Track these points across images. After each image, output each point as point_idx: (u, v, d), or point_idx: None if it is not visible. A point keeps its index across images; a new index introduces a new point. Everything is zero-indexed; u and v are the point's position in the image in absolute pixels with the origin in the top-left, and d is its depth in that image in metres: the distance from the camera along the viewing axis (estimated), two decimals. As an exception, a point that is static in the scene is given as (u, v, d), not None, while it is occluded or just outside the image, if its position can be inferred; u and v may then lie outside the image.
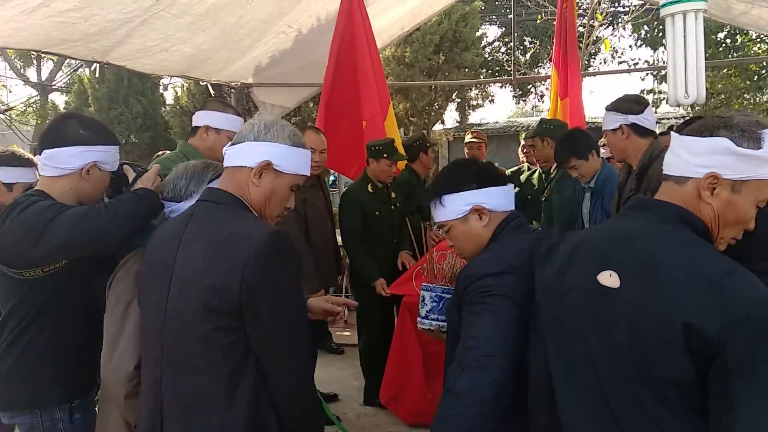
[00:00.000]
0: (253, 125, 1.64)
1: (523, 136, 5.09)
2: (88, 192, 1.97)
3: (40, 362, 1.95)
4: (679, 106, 1.75)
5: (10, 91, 35.58)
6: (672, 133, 1.38)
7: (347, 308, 2.03)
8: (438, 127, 14.80)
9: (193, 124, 2.83)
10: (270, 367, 1.52)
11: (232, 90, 6.20)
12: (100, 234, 1.78)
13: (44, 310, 1.95)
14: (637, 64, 20.16)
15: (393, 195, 4.08)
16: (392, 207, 4.07)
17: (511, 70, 16.07)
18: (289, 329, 1.53)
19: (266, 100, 6.18)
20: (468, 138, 5.27)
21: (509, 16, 18.38)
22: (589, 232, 1.52)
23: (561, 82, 4.84)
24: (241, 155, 1.63)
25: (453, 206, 1.76)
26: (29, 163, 2.79)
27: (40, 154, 1.93)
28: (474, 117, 22.87)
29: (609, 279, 1.28)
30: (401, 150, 4.15)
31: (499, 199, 1.76)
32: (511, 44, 19.94)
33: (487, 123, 21.17)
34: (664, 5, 1.69)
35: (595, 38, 15.54)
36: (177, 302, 1.52)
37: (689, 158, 1.32)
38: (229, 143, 1.67)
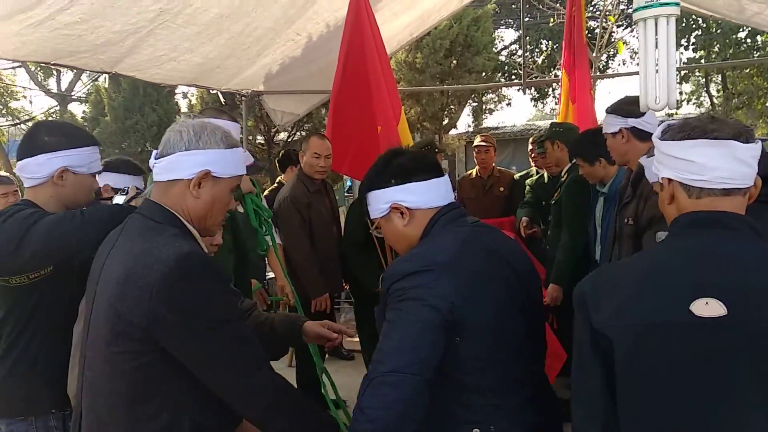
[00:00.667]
0: (181, 133, 1.51)
1: (531, 139, 5.04)
2: (70, 197, 1.97)
3: (33, 369, 1.95)
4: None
5: (31, 102, 36.33)
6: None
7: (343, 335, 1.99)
8: (453, 131, 14.79)
9: None
10: (215, 388, 1.44)
11: (243, 98, 6.26)
12: (74, 237, 1.77)
13: (34, 317, 1.95)
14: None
15: None
16: None
17: (534, 71, 16.09)
18: (214, 352, 1.41)
19: (276, 108, 6.22)
20: (476, 141, 5.22)
21: (526, 19, 18.32)
22: (658, 257, 1.29)
23: (571, 85, 4.78)
24: (173, 168, 1.50)
25: (375, 204, 1.66)
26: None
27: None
28: (491, 120, 22.79)
29: (707, 308, 1.14)
30: None
31: (422, 195, 1.61)
32: (528, 47, 19.94)
33: (505, 126, 21.08)
34: (636, 9, 1.66)
35: (612, 39, 15.44)
36: (94, 320, 1.47)
37: (756, 166, 1.27)
38: (154, 156, 1.55)
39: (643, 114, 2.38)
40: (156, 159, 1.54)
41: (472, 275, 1.48)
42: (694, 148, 1.25)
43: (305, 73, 5.61)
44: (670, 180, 1.31)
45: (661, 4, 1.57)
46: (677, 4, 1.58)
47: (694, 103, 18.73)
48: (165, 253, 1.38)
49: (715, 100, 18.16)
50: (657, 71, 1.58)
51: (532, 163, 5.01)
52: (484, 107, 14.60)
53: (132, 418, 1.41)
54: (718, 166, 1.23)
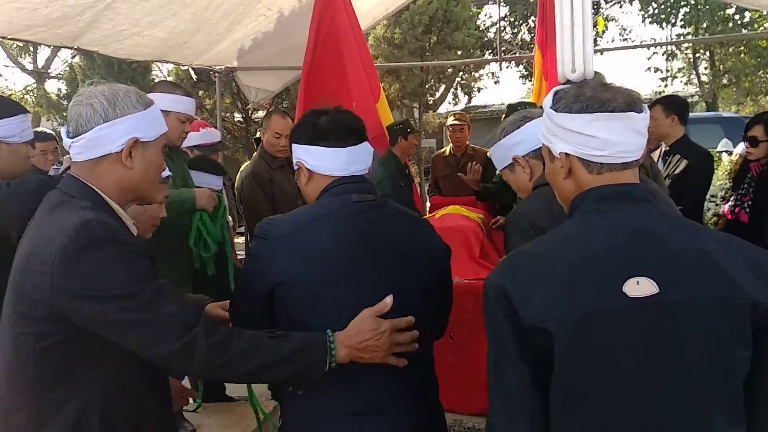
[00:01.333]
0: (92, 105, 1.40)
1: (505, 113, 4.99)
2: (6, 168, 1.95)
3: None
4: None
5: (6, 79, 35.95)
6: (642, 114, 1.21)
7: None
8: (441, 109, 14.70)
9: None
10: (137, 351, 1.36)
11: (217, 74, 6.14)
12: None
13: None
14: (644, 41, 19.88)
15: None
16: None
17: (514, 50, 15.95)
18: (126, 323, 1.32)
19: (250, 84, 6.12)
20: (450, 120, 5.18)
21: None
22: (579, 239, 1.21)
23: (544, 62, 4.70)
24: (96, 144, 1.40)
25: (293, 156, 1.68)
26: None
27: None
28: (479, 99, 22.68)
29: (638, 287, 1.10)
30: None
31: (320, 161, 1.58)
32: (515, 22, 19.75)
33: (493, 105, 20.99)
34: None
35: (599, 14, 15.30)
36: (6, 301, 1.40)
37: (645, 137, 1.24)
38: (66, 135, 1.44)
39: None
40: (71, 138, 1.42)
41: (303, 252, 1.49)
42: (595, 122, 1.18)
43: (279, 48, 5.50)
44: (567, 154, 1.24)
45: None
46: None
47: (681, 81, 18.70)
48: (66, 223, 1.31)
49: (703, 78, 18.11)
50: (573, 39, 1.52)
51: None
52: (472, 85, 14.47)
53: (39, 404, 1.35)
54: (620, 140, 1.19)
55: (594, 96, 1.20)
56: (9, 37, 3.74)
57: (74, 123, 1.41)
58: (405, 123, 4.71)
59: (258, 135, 5.35)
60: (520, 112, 1.92)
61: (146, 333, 1.33)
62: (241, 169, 4.04)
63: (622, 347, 1.10)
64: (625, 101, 1.19)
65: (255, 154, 4.07)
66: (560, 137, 1.24)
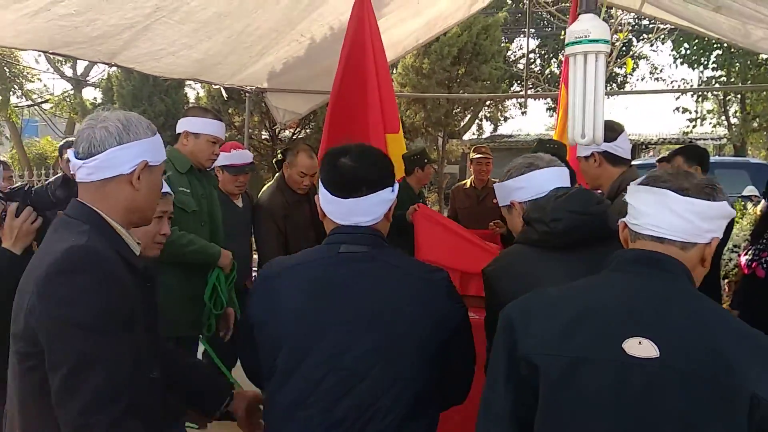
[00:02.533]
0: (107, 128, 1.45)
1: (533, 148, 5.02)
2: None
3: None
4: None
5: (45, 85, 36.71)
6: (682, 197, 1.24)
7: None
8: (466, 137, 14.76)
9: (176, 131, 2.92)
10: (54, 398, 1.31)
11: (247, 94, 6.28)
12: None
13: None
14: (674, 82, 19.80)
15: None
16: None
17: (541, 84, 16.00)
18: (69, 363, 1.29)
19: (279, 105, 6.24)
20: (474, 155, 5.22)
21: (546, 29, 18.24)
22: (597, 290, 1.28)
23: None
24: (108, 165, 1.45)
25: None
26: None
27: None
28: (506, 128, 22.70)
29: (639, 348, 1.13)
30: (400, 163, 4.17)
31: (327, 204, 1.61)
32: (545, 56, 19.85)
33: (519, 135, 21.04)
34: (568, 44, 1.66)
35: (629, 54, 15.31)
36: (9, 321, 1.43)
37: (701, 224, 1.26)
38: (75, 155, 1.47)
39: (616, 138, 2.36)
40: (81, 159, 1.45)
41: (274, 296, 1.54)
42: (636, 194, 1.30)
43: (308, 73, 5.62)
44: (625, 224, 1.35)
45: (590, 41, 1.57)
46: (606, 41, 1.58)
47: (710, 123, 18.51)
48: (57, 247, 1.35)
49: (733, 120, 17.94)
50: (584, 106, 1.56)
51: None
52: (500, 114, 14.55)
53: (23, 423, 1.39)
54: (650, 213, 1.27)
55: (660, 177, 1.31)
56: (50, 51, 3.88)
57: (86, 143, 1.45)
58: (422, 153, 4.74)
59: (280, 157, 5.42)
60: (527, 158, 1.92)
61: (67, 380, 1.29)
62: (262, 190, 4.09)
63: (607, 399, 1.14)
64: (676, 184, 1.27)
65: (273, 182, 4.02)
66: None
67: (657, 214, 1.26)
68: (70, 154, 1.50)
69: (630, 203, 1.31)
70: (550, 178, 1.81)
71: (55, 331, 1.31)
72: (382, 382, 1.44)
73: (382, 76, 4.33)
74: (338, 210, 1.57)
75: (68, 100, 18.09)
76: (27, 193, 1.93)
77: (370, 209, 1.56)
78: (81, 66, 18.41)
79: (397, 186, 1.64)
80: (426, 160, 4.62)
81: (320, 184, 1.62)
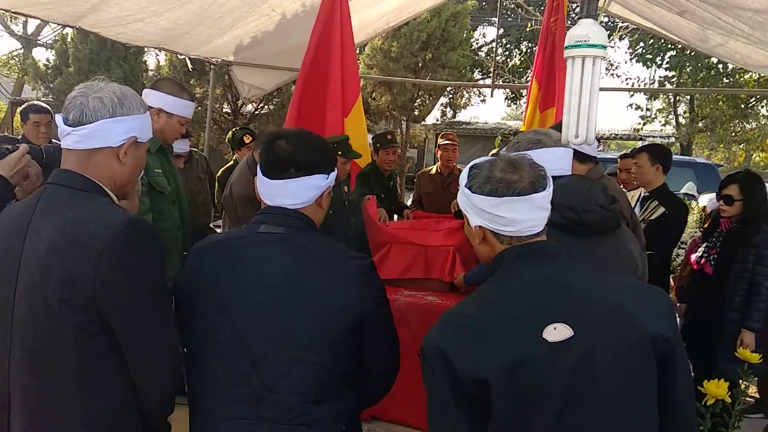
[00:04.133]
0: (102, 99, 1.45)
1: (498, 144, 5.12)
2: None
3: None
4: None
5: (-7, 42, 34.76)
6: (543, 192, 1.35)
7: None
8: (428, 121, 14.81)
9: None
10: (136, 369, 1.44)
11: (212, 66, 6.16)
12: None
13: None
14: (629, 79, 20.30)
15: (346, 189, 4.08)
16: (345, 203, 4.07)
17: (505, 73, 16.16)
18: (152, 326, 1.43)
19: (245, 80, 6.15)
20: (442, 141, 5.27)
21: (509, 19, 18.38)
22: (502, 294, 1.36)
23: (542, 94, 4.82)
24: (98, 136, 1.45)
25: None
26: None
27: None
28: (465, 115, 22.87)
29: (555, 332, 1.23)
30: (363, 146, 4.17)
31: (259, 185, 1.63)
32: (508, 46, 20.03)
33: (477, 122, 21.23)
34: (567, 47, 1.72)
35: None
36: (25, 295, 1.40)
37: (547, 209, 1.41)
38: (64, 122, 1.46)
39: (585, 138, 2.45)
40: (71, 126, 1.44)
41: (191, 270, 1.57)
42: (502, 205, 1.34)
43: (276, 49, 5.55)
44: (481, 226, 1.39)
45: (589, 45, 1.63)
46: (604, 47, 1.64)
47: (660, 122, 19.11)
48: (111, 219, 1.37)
49: (681, 120, 18.56)
50: (579, 108, 1.63)
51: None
52: (459, 102, 14.64)
53: (83, 391, 1.40)
54: (525, 219, 1.35)
55: (503, 178, 1.34)
56: (12, 10, 3.72)
57: (78, 111, 1.44)
58: (380, 137, 4.73)
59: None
60: (537, 134, 2.01)
61: (145, 370, 1.46)
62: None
63: (549, 388, 1.21)
64: (531, 182, 1.34)
65: (243, 164, 3.87)
66: (474, 212, 1.39)
67: (532, 217, 1.35)
68: (58, 119, 1.48)
69: (495, 213, 1.34)
70: (557, 159, 1.93)
71: (138, 299, 1.40)
72: (283, 363, 1.47)
73: (348, 56, 4.33)
74: (266, 190, 1.59)
75: (17, 59, 17.25)
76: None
77: (296, 192, 1.56)
78: (32, 25, 17.63)
79: (333, 175, 1.62)
80: (378, 144, 4.63)
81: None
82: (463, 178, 1.41)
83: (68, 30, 14.78)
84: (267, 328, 1.47)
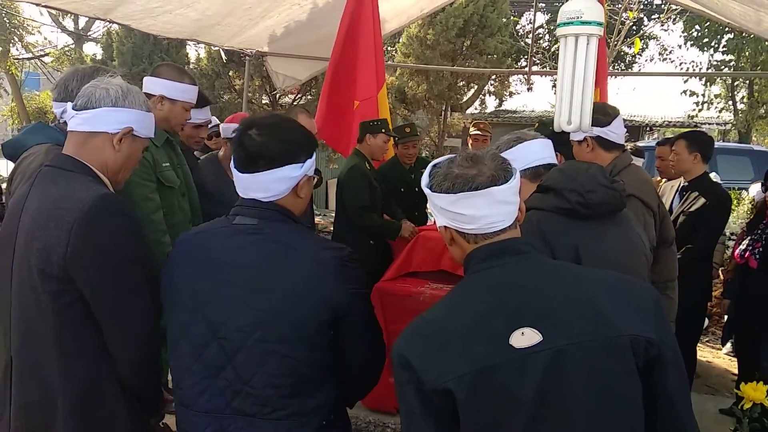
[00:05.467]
0: (107, 90, 1.63)
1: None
2: None
3: None
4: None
5: (46, 38, 36.25)
6: (504, 185, 1.27)
7: None
8: (470, 111, 14.60)
9: (144, 90, 2.58)
10: (107, 335, 1.54)
11: (248, 57, 6.17)
12: None
13: None
14: (683, 64, 19.56)
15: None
16: (381, 189, 4.08)
17: (548, 60, 15.76)
18: (120, 295, 1.53)
19: (279, 70, 6.13)
20: (473, 130, 5.15)
21: (557, 4, 17.93)
22: (469, 299, 1.29)
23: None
24: (97, 121, 1.62)
25: None
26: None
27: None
28: (511, 103, 22.49)
29: (523, 338, 1.16)
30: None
31: (235, 178, 1.58)
32: (554, 30, 19.54)
33: (524, 111, 20.84)
34: (559, 25, 1.58)
35: (638, 33, 15.06)
36: (18, 265, 1.56)
37: (516, 198, 1.34)
38: (72, 107, 1.64)
39: (610, 123, 2.30)
40: (77, 110, 1.62)
41: (171, 262, 1.57)
42: (459, 201, 1.27)
43: (310, 39, 5.51)
44: (446, 227, 1.33)
45: (583, 23, 1.49)
46: (600, 24, 1.50)
47: (716, 108, 18.33)
48: (83, 194, 1.51)
49: (740, 106, 17.76)
50: (572, 91, 1.50)
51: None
52: (504, 90, 14.37)
53: (61, 356, 1.53)
54: (485, 215, 1.27)
55: (460, 174, 1.28)
56: (43, 4, 3.77)
57: (85, 98, 1.63)
58: (398, 130, 4.58)
59: None
60: (515, 133, 2.00)
61: (115, 339, 1.56)
62: None
63: (518, 398, 1.14)
64: (490, 176, 1.26)
65: None
66: (437, 212, 1.33)
67: (492, 212, 1.27)
68: (68, 105, 1.65)
69: (455, 211, 1.28)
70: (537, 150, 1.91)
71: (106, 269, 1.50)
72: (257, 356, 1.44)
73: (378, 43, 4.35)
74: (240, 184, 1.55)
75: (69, 54, 17.81)
76: None
77: (267, 186, 1.51)
78: (82, 20, 18.15)
79: (309, 162, 1.56)
80: (415, 134, 4.52)
81: None
82: (425, 178, 1.36)
83: (114, 26, 15.21)
84: (240, 319, 1.45)
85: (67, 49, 18.20)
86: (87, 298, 1.51)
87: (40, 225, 1.50)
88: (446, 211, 1.30)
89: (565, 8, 1.58)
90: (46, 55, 18.24)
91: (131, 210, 1.63)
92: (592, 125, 2.30)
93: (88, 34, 17.96)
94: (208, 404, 1.48)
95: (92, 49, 18.02)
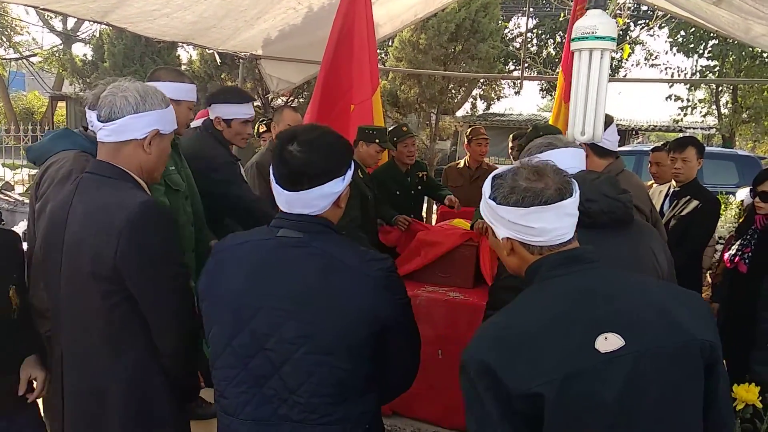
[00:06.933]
0: (127, 98, 1.69)
1: (511, 136, 5.04)
2: None
3: None
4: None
5: (34, 39, 35.86)
6: (570, 199, 1.31)
7: None
8: (459, 113, 14.65)
9: None
10: (153, 330, 1.68)
11: (241, 60, 6.18)
12: None
13: None
14: (669, 69, 19.78)
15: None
16: (374, 195, 4.08)
17: (537, 65, 15.84)
18: (165, 294, 1.67)
19: (273, 74, 6.16)
20: (472, 136, 5.21)
21: (545, 9, 18.07)
22: (547, 304, 1.30)
23: (566, 86, 4.71)
24: (125, 130, 1.70)
25: None
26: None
27: None
28: (499, 106, 22.58)
29: (607, 343, 1.19)
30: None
31: (275, 191, 1.58)
32: (542, 35, 19.68)
33: (511, 114, 20.96)
34: (574, 39, 1.63)
35: (626, 39, 15.22)
36: (68, 267, 1.67)
37: (575, 216, 1.38)
38: (97, 118, 1.71)
39: (604, 131, 2.36)
40: (102, 122, 1.69)
41: (216, 272, 1.58)
42: (530, 215, 1.30)
43: (304, 42, 5.54)
44: (509, 238, 1.35)
45: (597, 38, 1.55)
46: (613, 39, 1.55)
47: (701, 112, 18.55)
48: (128, 201, 1.62)
49: (723, 110, 17.99)
50: (586, 103, 1.55)
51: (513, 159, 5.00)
52: (493, 94, 14.45)
53: (111, 348, 1.66)
54: (555, 227, 1.31)
55: (528, 187, 1.30)
56: (41, 7, 3.78)
57: (108, 109, 1.69)
58: (395, 131, 4.53)
59: (263, 129, 5.35)
60: (547, 138, 1.99)
61: (160, 333, 1.70)
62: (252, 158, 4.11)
63: (602, 400, 1.17)
64: (557, 189, 1.30)
65: (265, 144, 4.13)
66: (500, 224, 1.35)
67: (561, 225, 1.31)
68: (92, 116, 1.76)
69: (524, 224, 1.31)
70: (568, 158, 1.90)
71: (151, 270, 1.63)
72: (304, 367, 1.45)
73: (372, 47, 4.35)
74: (281, 200, 1.56)
75: (57, 55, 17.67)
76: None
77: (311, 202, 1.52)
78: (71, 21, 17.99)
79: (349, 174, 1.57)
80: (411, 134, 4.51)
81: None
82: (486, 189, 1.38)
83: (105, 27, 15.10)
84: (287, 332, 1.46)
85: (55, 49, 18.07)
86: (135, 296, 1.63)
87: (90, 231, 1.62)
88: (513, 224, 1.32)
89: (579, 23, 1.63)
90: (34, 55, 18.14)
91: (171, 215, 1.78)
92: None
93: (77, 34, 17.83)
94: (254, 413, 1.50)
95: (81, 50, 17.87)
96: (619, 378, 1.18)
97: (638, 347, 1.20)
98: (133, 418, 1.69)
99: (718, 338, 1.29)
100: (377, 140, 3.95)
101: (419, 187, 4.69)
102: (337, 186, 1.54)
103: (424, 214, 5.85)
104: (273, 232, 1.54)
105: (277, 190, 1.55)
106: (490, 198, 1.35)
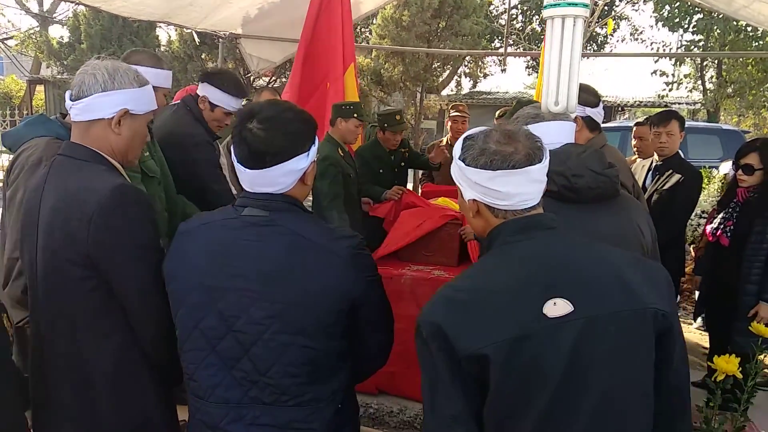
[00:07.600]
0: (95, 75, 1.63)
1: (497, 114, 5.00)
2: None
3: None
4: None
5: (10, 21, 35.08)
6: (538, 165, 1.30)
7: None
8: (445, 93, 14.57)
9: None
10: (130, 315, 1.63)
11: (221, 39, 6.07)
12: None
13: None
14: (654, 44, 19.77)
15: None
16: (356, 172, 4.04)
17: (522, 41, 15.77)
18: (138, 278, 1.60)
19: (253, 53, 6.06)
20: (452, 112, 5.18)
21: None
22: (502, 269, 1.31)
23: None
24: (92, 109, 1.63)
25: None
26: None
27: None
28: (486, 85, 22.54)
29: (555, 308, 1.21)
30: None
31: (238, 171, 1.53)
32: (528, 11, 19.56)
33: (497, 92, 20.90)
34: (545, 7, 1.59)
35: (611, 15, 15.17)
36: (44, 250, 1.63)
37: (543, 182, 1.38)
38: (69, 97, 1.66)
39: (598, 104, 2.35)
40: (72, 101, 1.64)
41: (182, 253, 1.54)
42: (497, 178, 1.30)
43: (284, 20, 5.44)
44: (475, 200, 1.36)
45: (569, 4, 1.51)
46: (586, 5, 1.52)
47: (686, 87, 18.58)
48: (99, 186, 1.57)
49: (708, 85, 18.04)
50: (559, 72, 1.52)
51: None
52: (479, 71, 14.38)
53: (94, 339, 1.63)
54: (520, 192, 1.31)
55: (498, 150, 1.30)
56: (10, -15, 3.66)
57: (77, 88, 1.64)
58: (388, 117, 4.47)
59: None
60: (535, 108, 1.95)
61: (136, 318, 1.64)
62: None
63: (549, 364, 1.20)
64: (526, 155, 1.30)
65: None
66: (468, 185, 1.35)
67: (527, 190, 1.31)
68: (66, 95, 1.67)
69: (490, 187, 1.31)
70: (555, 131, 1.87)
71: (124, 256, 1.57)
72: (273, 348, 1.44)
73: (346, 23, 4.32)
74: (244, 179, 1.52)
75: (34, 37, 17.32)
76: None
77: (275, 180, 1.49)
78: (47, 2, 17.63)
79: (313, 150, 1.53)
80: (388, 124, 4.43)
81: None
82: (457, 150, 1.37)
83: (82, 8, 14.81)
84: (256, 312, 1.44)
85: (32, 31, 17.71)
86: (110, 282, 1.59)
87: (62, 216, 1.57)
88: (480, 186, 1.32)
89: (552, -10, 1.59)
90: (11, 38, 17.78)
91: (146, 198, 1.66)
92: (585, 105, 2.34)
93: (54, 16, 17.48)
94: (224, 395, 1.47)
95: (58, 32, 17.55)
96: (566, 344, 1.19)
97: (589, 313, 1.21)
98: (119, 404, 1.65)
99: (673, 306, 1.32)
100: (355, 114, 3.92)
101: (402, 164, 4.67)
102: (301, 162, 1.50)
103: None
104: (238, 211, 1.51)
105: (239, 168, 1.50)
106: (459, 159, 1.35)
